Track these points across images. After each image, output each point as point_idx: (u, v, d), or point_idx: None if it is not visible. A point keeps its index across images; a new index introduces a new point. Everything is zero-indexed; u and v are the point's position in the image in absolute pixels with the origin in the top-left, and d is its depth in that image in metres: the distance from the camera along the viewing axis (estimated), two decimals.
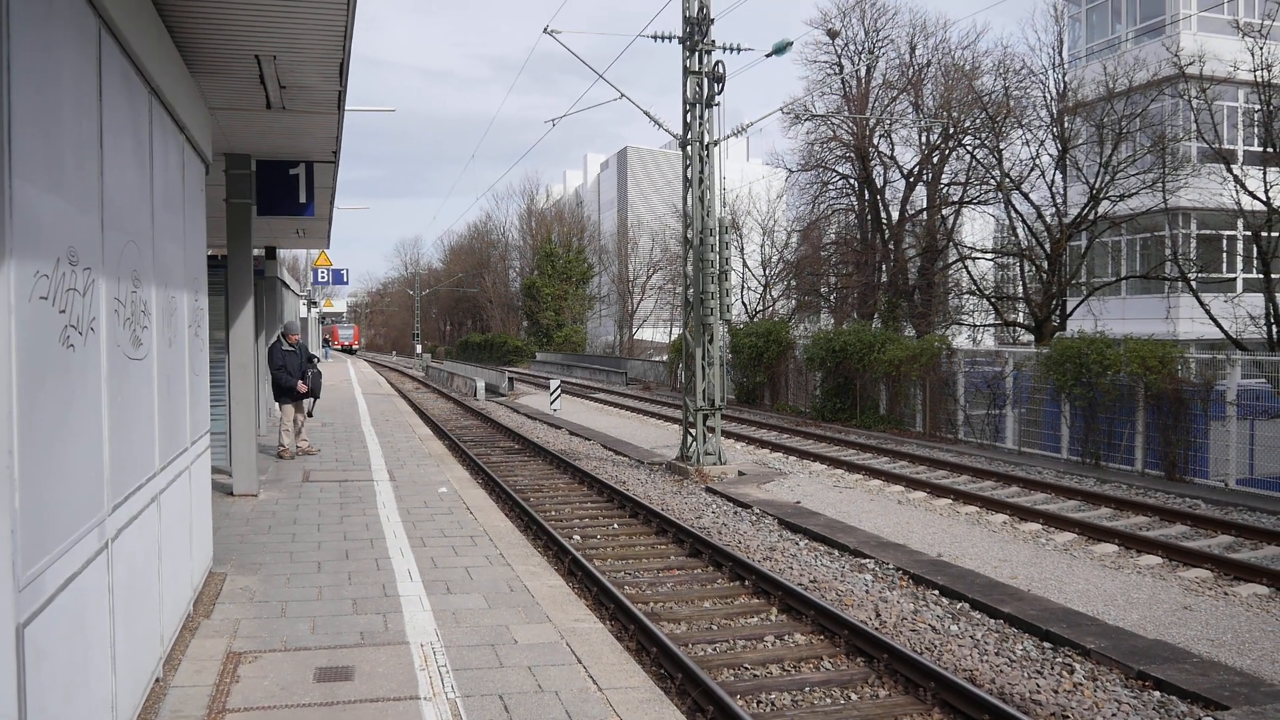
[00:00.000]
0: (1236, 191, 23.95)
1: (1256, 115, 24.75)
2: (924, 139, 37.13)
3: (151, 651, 5.67)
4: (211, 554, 8.52)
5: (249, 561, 8.91)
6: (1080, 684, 7.41)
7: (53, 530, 3.77)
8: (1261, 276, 24.11)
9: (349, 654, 6.42)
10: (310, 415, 15.65)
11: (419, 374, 60.41)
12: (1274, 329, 23.44)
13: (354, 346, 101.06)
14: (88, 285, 4.26)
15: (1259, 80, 23.30)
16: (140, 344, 5.41)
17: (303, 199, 12.11)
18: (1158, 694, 7.20)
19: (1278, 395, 15.84)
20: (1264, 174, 23.61)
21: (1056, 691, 7.28)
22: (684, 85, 17.82)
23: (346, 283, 44.63)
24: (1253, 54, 23.10)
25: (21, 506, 3.37)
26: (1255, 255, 24.91)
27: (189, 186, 7.35)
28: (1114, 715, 6.83)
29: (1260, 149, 24.98)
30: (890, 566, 10.85)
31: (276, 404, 15.58)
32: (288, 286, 28.21)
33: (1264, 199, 23.42)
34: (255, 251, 14.91)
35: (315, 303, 41.46)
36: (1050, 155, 31.27)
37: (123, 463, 4.93)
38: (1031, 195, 31.00)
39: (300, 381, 15.16)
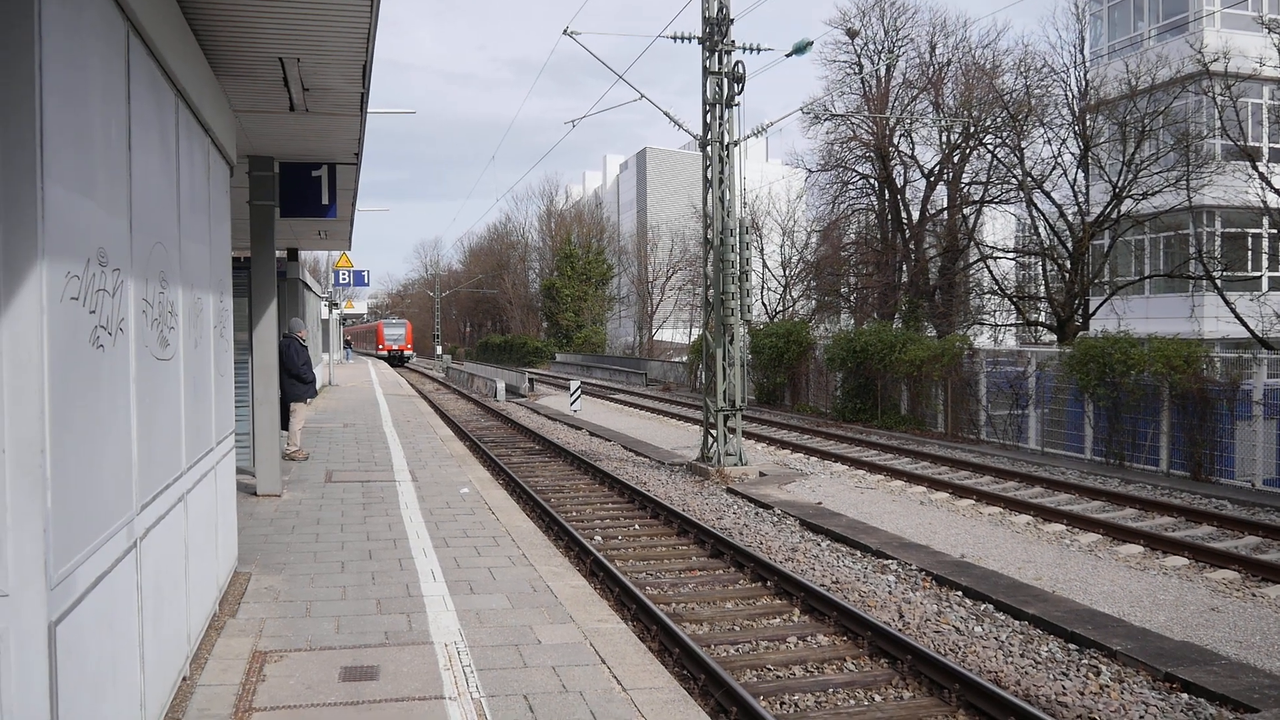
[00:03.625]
0: (1262, 189, 23.70)
1: None
2: (944, 138, 36.95)
3: (179, 650, 5.71)
4: (236, 554, 8.57)
5: (273, 561, 8.95)
6: (1107, 686, 7.35)
7: (83, 529, 3.79)
8: None
9: (374, 654, 6.44)
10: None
11: (439, 375, 60.56)
12: None
13: (406, 352, 76.04)
14: (117, 286, 4.29)
15: None
16: (167, 344, 5.45)
17: (325, 201, 12.16)
18: (1186, 696, 7.14)
19: None
20: None
21: (1083, 693, 7.22)
22: (704, 86, 17.79)
23: (367, 284, 44.75)
24: (1278, 50, 22.85)
25: (53, 506, 3.39)
26: None
27: (214, 188, 7.40)
28: (1141, 717, 6.77)
29: None
30: (913, 567, 10.80)
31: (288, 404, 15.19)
32: (309, 288, 28.38)
33: None
34: (278, 253, 14.97)
35: (336, 304, 41.64)
36: (1072, 154, 31.08)
37: (151, 462, 4.96)
38: (1053, 194, 30.82)
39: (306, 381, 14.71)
